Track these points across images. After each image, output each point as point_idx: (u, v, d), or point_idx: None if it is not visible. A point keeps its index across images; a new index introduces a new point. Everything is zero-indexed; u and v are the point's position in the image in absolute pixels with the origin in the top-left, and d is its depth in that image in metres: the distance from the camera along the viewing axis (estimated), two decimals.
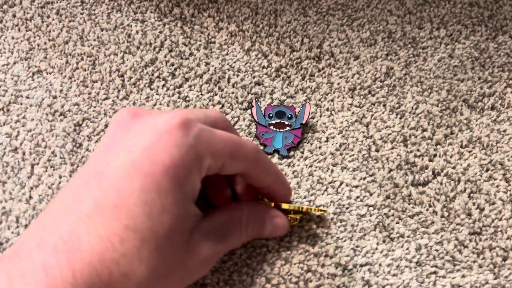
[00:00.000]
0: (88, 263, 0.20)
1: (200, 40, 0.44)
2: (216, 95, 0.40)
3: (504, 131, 0.39)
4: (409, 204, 0.35)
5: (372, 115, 0.40)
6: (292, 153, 0.37)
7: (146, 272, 0.22)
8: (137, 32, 0.44)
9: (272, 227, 0.30)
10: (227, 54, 0.43)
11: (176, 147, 0.23)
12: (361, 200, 0.35)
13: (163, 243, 0.22)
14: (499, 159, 0.38)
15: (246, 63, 0.42)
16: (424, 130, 0.39)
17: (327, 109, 0.40)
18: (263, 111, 0.39)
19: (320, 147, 0.38)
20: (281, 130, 0.38)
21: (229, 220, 0.28)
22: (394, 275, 0.32)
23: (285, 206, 0.31)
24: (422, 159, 0.37)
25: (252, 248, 0.32)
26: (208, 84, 0.41)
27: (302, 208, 0.31)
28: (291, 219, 0.32)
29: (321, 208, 0.34)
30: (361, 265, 0.32)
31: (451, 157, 0.38)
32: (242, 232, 0.28)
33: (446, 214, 0.35)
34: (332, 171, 0.36)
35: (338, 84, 0.41)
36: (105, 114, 0.38)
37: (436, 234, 0.34)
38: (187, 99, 0.40)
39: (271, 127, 0.38)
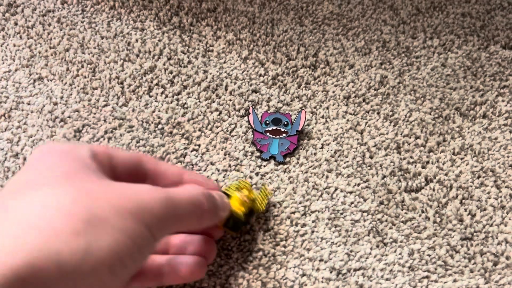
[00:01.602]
0: None
1: (198, 49, 0.45)
2: (213, 102, 0.41)
3: (496, 138, 0.40)
4: (402, 210, 0.36)
5: (367, 122, 0.41)
6: (288, 159, 0.38)
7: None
8: (137, 40, 0.44)
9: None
10: (224, 62, 0.44)
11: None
12: (355, 206, 0.36)
13: None
14: (490, 166, 0.39)
15: (243, 71, 0.43)
16: (417, 137, 0.40)
17: (323, 117, 0.41)
18: (259, 118, 0.40)
19: (315, 154, 0.38)
20: (277, 136, 0.39)
21: None
22: (387, 279, 0.32)
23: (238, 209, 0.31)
24: (415, 166, 0.38)
25: (248, 253, 0.33)
26: (206, 92, 0.42)
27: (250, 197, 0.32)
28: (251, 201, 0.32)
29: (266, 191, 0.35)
30: (355, 270, 0.33)
31: (443, 164, 0.39)
32: None
33: (438, 220, 0.35)
34: (327, 177, 0.37)
35: (333, 92, 0.42)
36: (104, 120, 0.39)
37: (429, 240, 0.34)
38: (185, 106, 0.40)
39: (268, 133, 0.39)
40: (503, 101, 0.43)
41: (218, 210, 0.28)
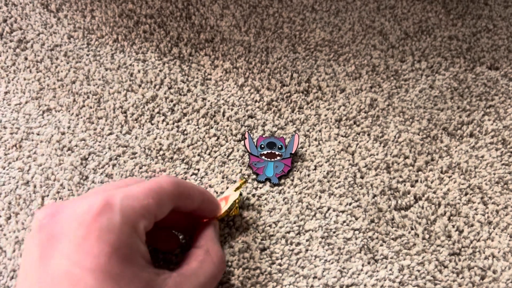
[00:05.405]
0: None
1: (197, 77, 0.47)
2: (212, 128, 0.43)
3: (482, 157, 0.42)
4: (392, 227, 0.38)
5: (357, 144, 0.43)
6: (282, 181, 0.40)
7: None
8: (139, 71, 0.47)
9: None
10: (222, 89, 0.46)
11: (108, 232, 0.24)
12: (347, 224, 0.38)
13: None
14: (477, 184, 0.40)
15: (239, 98, 0.46)
16: (406, 157, 0.42)
17: (315, 139, 0.43)
18: (255, 142, 0.42)
19: (308, 175, 0.40)
20: (272, 159, 0.41)
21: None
22: None
23: (220, 215, 0.34)
24: (405, 184, 0.40)
25: (247, 270, 0.35)
26: (205, 118, 0.44)
27: (233, 206, 0.35)
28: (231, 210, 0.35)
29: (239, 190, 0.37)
30: (348, 286, 0.34)
31: (431, 182, 0.40)
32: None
33: (427, 236, 0.37)
34: (320, 197, 0.39)
35: (325, 115, 0.45)
36: (109, 148, 0.41)
37: (418, 255, 0.36)
38: (185, 132, 0.43)
39: (263, 157, 0.41)
40: (489, 120, 0.45)
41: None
